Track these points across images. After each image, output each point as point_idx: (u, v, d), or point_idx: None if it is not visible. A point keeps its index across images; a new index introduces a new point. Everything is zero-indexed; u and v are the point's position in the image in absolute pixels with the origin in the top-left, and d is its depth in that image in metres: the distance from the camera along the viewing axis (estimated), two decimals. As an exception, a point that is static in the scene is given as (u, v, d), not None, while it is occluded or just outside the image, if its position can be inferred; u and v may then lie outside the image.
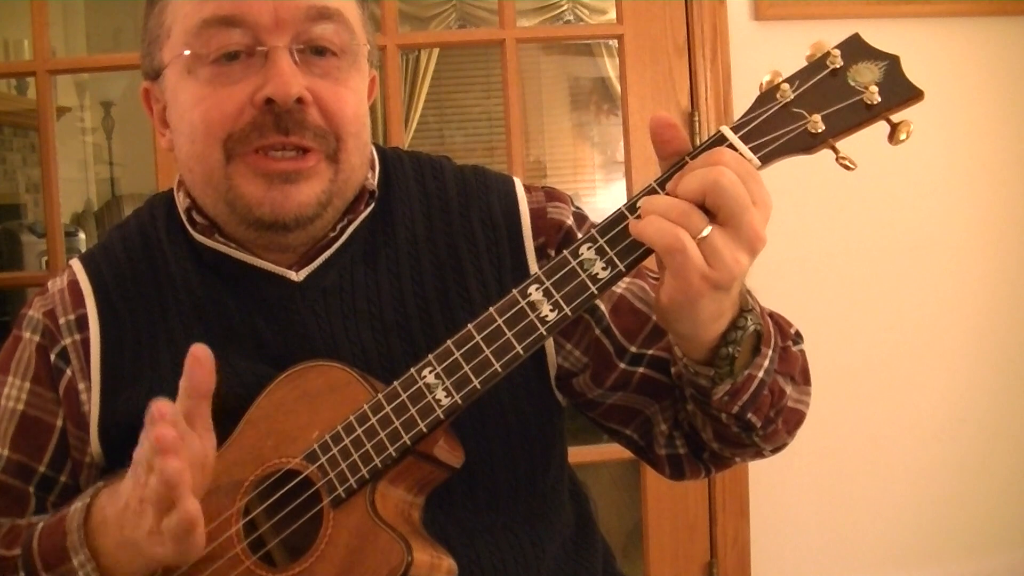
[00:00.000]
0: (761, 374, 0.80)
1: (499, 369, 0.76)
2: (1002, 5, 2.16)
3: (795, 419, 0.89)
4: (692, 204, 0.70)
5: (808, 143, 0.73)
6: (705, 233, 0.70)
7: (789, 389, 0.86)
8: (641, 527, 2.13)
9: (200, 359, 0.75)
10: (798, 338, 0.92)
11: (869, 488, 2.21)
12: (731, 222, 0.70)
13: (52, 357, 0.92)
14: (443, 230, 0.95)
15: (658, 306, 0.75)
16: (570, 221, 0.97)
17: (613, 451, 2.16)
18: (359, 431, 0.79)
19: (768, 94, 0.74)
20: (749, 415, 0.82)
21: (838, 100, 0.72)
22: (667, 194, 0.72)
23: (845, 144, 0.73)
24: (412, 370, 0.78)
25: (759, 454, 0.91)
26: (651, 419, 0.95)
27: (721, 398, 0.80)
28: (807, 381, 0.91)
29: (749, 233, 0.70)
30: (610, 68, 5.23)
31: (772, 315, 0.87)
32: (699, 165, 0.71)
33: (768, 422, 0.85)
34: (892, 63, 0.73)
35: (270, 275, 0.92)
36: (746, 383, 0.80)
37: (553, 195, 0.99)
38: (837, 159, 0.73)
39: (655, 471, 0.99)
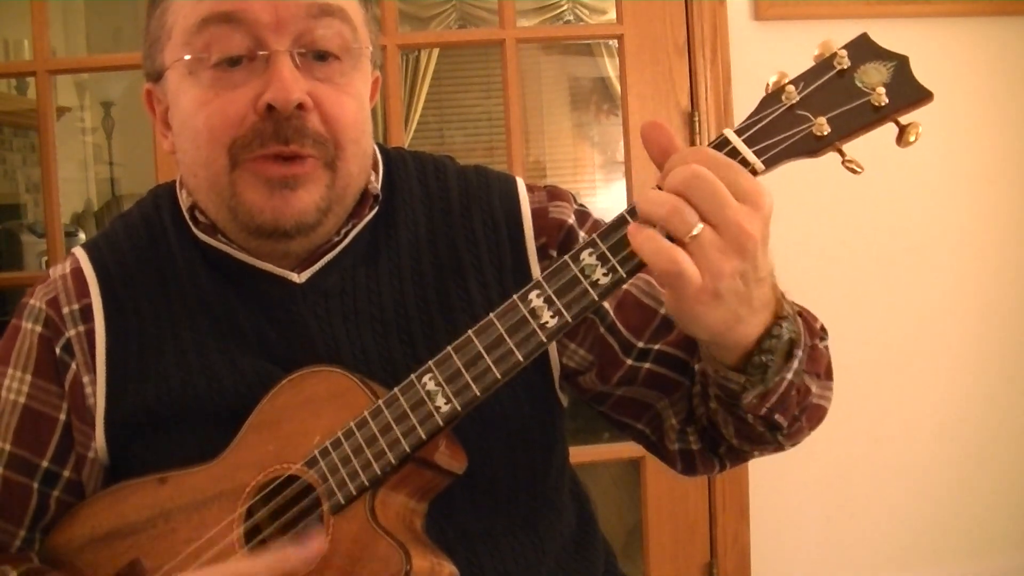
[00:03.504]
0: (791, 376, 0.79)
1: (499, 376, 0.75)
2: (1002, 5, 2.16)
3: (818, 415, 0.88)
4: (683, 200, 0.67)
5: (813, 146, 0.71)
6: (697, 231, 0.67)
7: (814, 387, 0.85)
8: (641, 527, 2.13)
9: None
10: (824, 334, 0.91)
11: (869, 488, 2.21)
12: (712, 219, 0.67)
13: (57, 350, 0.91)
14: (445, 231, 0.95)
15: (671, 314, 0.74)
16: (571, 220, 0.96)
17: (613, 451, 2.17)
18: (359, 437, 0.78)
19: (773, 96, 0.72)
20: (776, 416, 0.81)
21: (845, 102, 0.71)
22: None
23: (851, 146, 0.72)
24: (412, 376, 0.78)
25: (779, 449, 0.90)
26: (661, 413, 0.95)
27: (750, 401, 0.79)
28: (830, 376, 0.90)
29: (735, 231, 0.67)
30: (610, 68, 5.22)
31: (800, 312, 0.85)
32: (677, 163, 0.69)
33: (794, 420, 0.84)
34: (901, 64, 0.71)
35: (272, 276, 0.91)
36: (776, 386, 0.79)
37: (555, 194, 0.99)
38: (843, 162, 0.71)
39: (667, 466, 0.98)
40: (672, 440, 0.95)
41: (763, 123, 0.72)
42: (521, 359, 0.74)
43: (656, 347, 0.93)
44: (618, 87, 3.67)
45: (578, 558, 1.00)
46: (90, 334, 0.91)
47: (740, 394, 0.79)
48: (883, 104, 0.70)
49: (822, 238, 2.14)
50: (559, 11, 5.20)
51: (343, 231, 0.92)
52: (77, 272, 0.94)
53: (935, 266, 2.20)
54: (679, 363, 0.92)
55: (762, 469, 2.09)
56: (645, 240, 0.68)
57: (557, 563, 0.96)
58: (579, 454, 1.88)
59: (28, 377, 0.92)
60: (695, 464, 0.95)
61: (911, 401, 2.21)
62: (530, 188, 0.99)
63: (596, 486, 2.79)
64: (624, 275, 0.72)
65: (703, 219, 0.67)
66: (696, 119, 2.05)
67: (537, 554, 0.94)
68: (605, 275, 0.72)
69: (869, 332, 2.17)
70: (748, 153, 0.71)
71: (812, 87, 0.72)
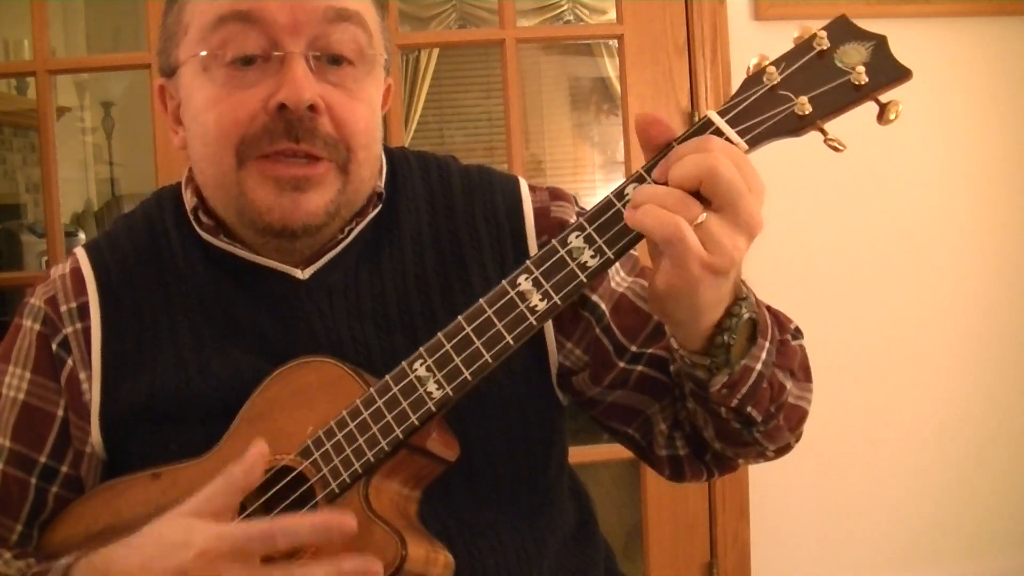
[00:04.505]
0: (759, 366, 0.80)
1: (489, 360, 0.75)
2: (1002, 5, 2.16)
3: (797, 416, 0.89)
4: (685, 191, 0.70)
5: (795, 125, 0.72)
6: (701, 219, 0.69)
7: (789, 385, 0.85)
8: (641, 527, 2.13)
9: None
10: (797, 333, 0.91)
11: (869, 488, 2.20)
12: (728, 208, 0.69)
13: (53, 347, 0.92)
14: (447, 227, 0.95)
15: (655, 294, 0.75)
16: (573, 220, 0.97)
17: (613, 451, 2.16)
18: (351, 426, 0.79)
19: (754, 77, 0.74)
20: (749, 408, 0.82)
21: (825, 82, 0.72)
22: (655, 181, 0.72)
23: (835, 127, 0.72)
24: (403, 363, 0.78)
25: (762, 454, 0.90)
26: (651, 419, 0.95)
27: (719, 390, 0.80)
28: (808, 377, 0.90)
29: (747, 218, 0.70)
30: (610, 68, 5.23)
31: (770, 309, 0.86)
32: (688, 151, 0.71)
33: (769, 417, 0.84)
34: (879, 43, 0.72)
35: (276, 273, 0.92)
36: (744, 375, 0.79)
37: (557, 194, 1.00)
38: (825, 141, 0.72)
39: (656, 472, 0.98)
40: (661, 446, 0.95)
41: (745, 104, 0.73)
42: (511, 342, 0.75)
43: (649, 351, 0.93)
44: (618, 87, 3.68)
45: (578, 554, 1.00)
46: (86, 331, 0.92)
47: (708, 382, 0.80)
48: (863, 83, 0.71)
49: (822, 239, 2.14)
50: (559, 11, 5.21)
51: (347, 229, 0.92)
52: (76, 271, 0.95)
53: (935, 266, 2.20)
54: (670, 366, 0.92)
55: (762, 469, 2.08)
56: (646, 213, 0.69)
57: (557, 559, 0.96)
58: (579, 454, 1.88)
59: (27, 374, 0.93)
60: (683, 470, 0.95)
61: (911, 401, 2.21)
62: (532, 188, 1.00)
63: (596, 486, 2.79)
64: (612, 256, 0.73)
65: (717, 207, 0.69)
66: (696, 119, 2.05)
67: (538, 547, 0.94)
68: (593, 256, 0.73)
69: (869, 332, 2.17)
70: (732, 133, 0.72)
71: (793, 68, 0.73)
